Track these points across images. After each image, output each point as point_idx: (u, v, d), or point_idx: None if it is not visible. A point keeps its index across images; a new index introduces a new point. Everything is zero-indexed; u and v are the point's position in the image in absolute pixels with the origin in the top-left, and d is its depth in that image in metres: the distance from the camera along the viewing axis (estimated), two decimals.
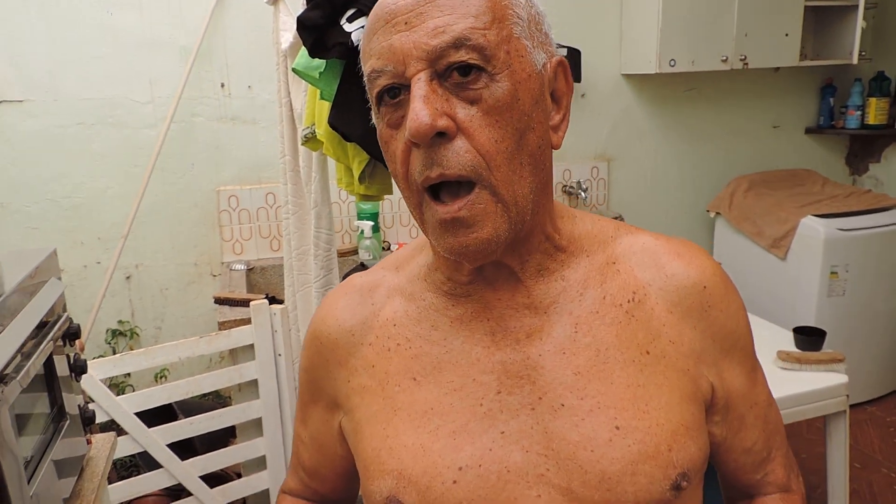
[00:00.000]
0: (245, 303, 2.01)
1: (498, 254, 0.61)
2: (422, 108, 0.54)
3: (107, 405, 1.59)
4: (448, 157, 0.56)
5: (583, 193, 3.00)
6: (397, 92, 0.57)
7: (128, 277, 2.49)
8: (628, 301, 0.65)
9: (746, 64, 2.86)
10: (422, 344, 0.67)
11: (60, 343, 1.22)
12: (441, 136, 0.56)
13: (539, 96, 0.59)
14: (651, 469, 0.60)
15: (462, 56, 0.55)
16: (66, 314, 1.23)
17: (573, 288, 0.66)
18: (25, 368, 0.96)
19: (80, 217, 2.41)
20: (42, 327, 1.11)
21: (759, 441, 0.72)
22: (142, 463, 1.90)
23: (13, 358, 0.96)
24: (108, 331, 2.46)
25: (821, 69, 3.29)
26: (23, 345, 1.00)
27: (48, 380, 1.16)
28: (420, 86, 0.55)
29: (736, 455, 0.72)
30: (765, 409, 0.73)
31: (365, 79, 0.60)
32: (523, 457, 0.62)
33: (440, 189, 0.58)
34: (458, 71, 0.55)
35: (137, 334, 2.51)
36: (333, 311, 0.73)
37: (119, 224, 2.40)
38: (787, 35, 2.90)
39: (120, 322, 2.49)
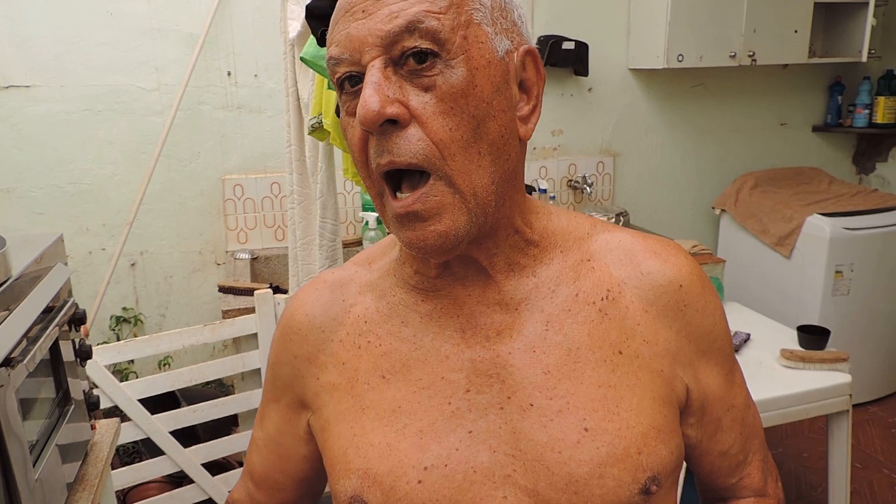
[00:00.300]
0: (249, 292, 2.01)
1: (461, 248, 0.59)
2: (371, 94, 0.53)
3: (110, 391, 1.59)
4: (399, 144, 0.55)
5: (588, 188, 2.99)
6: (357, 80, 0.57)
7: (132, 264, 2.50)
8: (602, 299, 0.64)
9: (755, 60, 2.84)
10: (392, 341, 0.66)
11: (66, 328, 1.22)
12: (393, 124, 0.55)
13: (501, 84, 0.58)
14: (619, 472, 0.59)
15: (415, 41, 0.54)
16: (71, 299, 1.24)
17: (545, 285, 0.64)
18: (32, 353, 0.96)
19: (85, 203, 2.41)
20: (48, 312, 1.11)
21: (735, 444, 0.71)
22: (144, 450, 1.91)
23: (19, 342, 0.96)
24: (112, 317, 2.46)
25: (829, 67, 3.27)
26: (29, 329, 1.01)
27: (54, 365, 1.17)
28: (373, 73, 0.54)
29: (711, 458, 0.71)
30: (742, 411, 0.72)
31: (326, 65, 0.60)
32: (490, 457, 0.61)
33: (402, 180, 0.57)
34: (413, 58, 0.54)
35: (141, 321, 2.52)
36: (303, 307, 0.72)
37: (124, 211, 2.40)
38: (796, 31, 2.88)
39: (124, 309, 2.49)
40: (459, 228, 0.57)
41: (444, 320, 0.65)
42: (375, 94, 0.53)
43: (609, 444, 0.59)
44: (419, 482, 0.60)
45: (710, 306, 0.67)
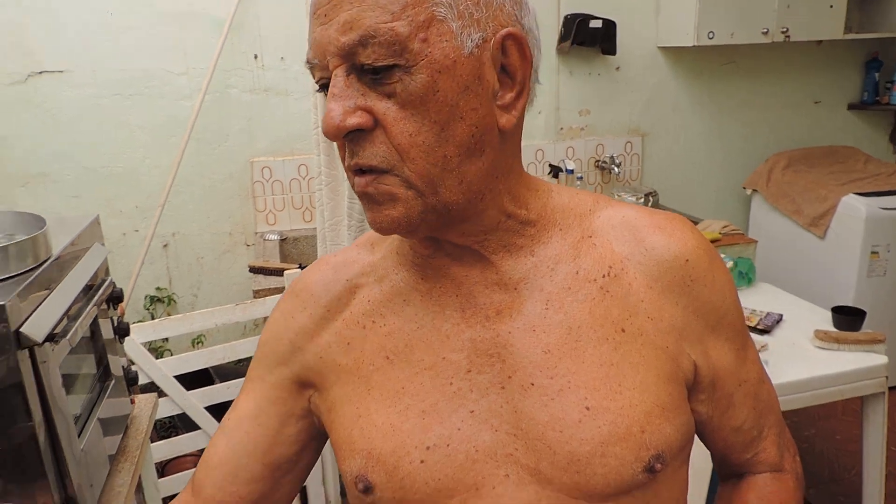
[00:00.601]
0: (279, 272, 2.04)
1: (420, 233, 0.60)
2: (333, 107, 0.54)
3: (147, 368, 1.63)
4: (364, 148, 0.56)
5: (615, 168, 2.96)
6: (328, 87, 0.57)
7: (165, 245, 2.54)
8: (603, 276, 0.63)
9: (788, 37, 2.77)
10: (395, 320, 0.66)
11: (104, 307, 1.25)
12: (359, 130, 0.55)
13: (471, 81, 0.55)
14: (621, 451, 0.58)
15: (369, 57, 0.53)
16: (109, 278, 1.26)
17: (544, 263, 0.64)
18: (73, 329, 0.99)
19: (118, 186, 2.46)
20: (87, 290, 1.14)
21: (748, 420, 0.70)
22: (180, 424, 1.95)
23: (61, 319, 0.99)
24: (146, 297, 2.52)
25: (866, 42, 3.18)
26: (70, 307, 1.03)
27: (94, 342, 1.20)
28: (335, 82, 0.55)
29: (724, 434, 0.70)
30: (755, 386, 0.70)
31: None
32: (492, 436, 0.61)
33: None
34: (371, 69, 0.54)
35: (175, 301, 2.57)
36: (307, 287, 0.71)
37: (156, 193, 2.44)
38: (831, 6, 2.80)
39: (158, 289, 2.54)
40: (413, 217, 0.57)
41: (443, 299, 0.65)
42: (337, 105, 0.54)
43: (611, 423, 0.59)
44: (422, 462, 0.61)
45: (718, 281, 0.66)
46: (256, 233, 2.59)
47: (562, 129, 2.94)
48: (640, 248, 0.64)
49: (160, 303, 2.54)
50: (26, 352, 0.89)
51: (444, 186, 0.56)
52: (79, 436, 1.01)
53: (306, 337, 0.70)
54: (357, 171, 0.58)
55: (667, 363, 0.63)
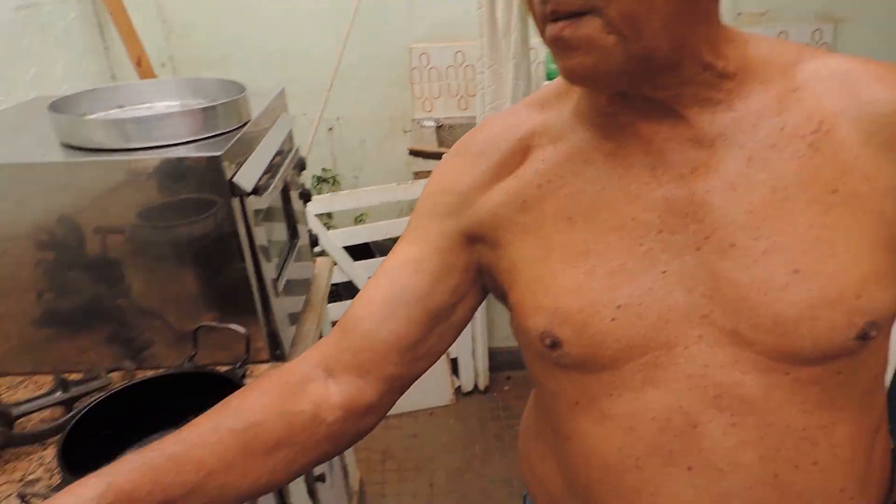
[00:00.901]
0: (437, 155, 2.09)
1: (616, 84, 0.57)
2: None
3: (320, 237, 1.78)
4: None
5: None
6: None
7: (330, 129, 2.67)
8: (812, 132, 0.57)
9: None
10: (575, 181, 0.63)
11: (292, 173, 1.36)
12: None
13: None
14: (834, 315, 0.55)
15: None
16: (296, 147, 1.36)
17: (745, 119, 0.59)
18: (273, 185, 1.09)
19: (290, 70, 2.58)
20: (279, 155, 1.24)
21: None
22: (343, 292, 2.13)
23: (262, 175, 1.09)
24: (313, 177, 2.70)
25: None
26: (268, 166, 1.13)
27: (285, 206, 1.31)
28: None
29: None
30: None
31: None
32: (686, 297, 0.59)
33: None
34: None
35: (339, 182, 2.73)
36: (476, 143, 0.69)
37: (323, 79, 2.54)
38: None
39: (324, 170, 2.71)
40: (610, 66, 0.53)
41: (630, 158, 0.62)
42: None
43: (822, 287, 0.55)
44: (612, 320, 0.60)
45: None
46: (413, 119, 2.65)
47: (740, 14, 2.65)
48: (854, 102, 0.58)
49: (325, 183, 2.71)
50: (238, 200, 1.00)
51: (648, 29, 0.52)
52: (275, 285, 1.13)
53: (477, 192, 0.68)
54: (552, 18, 0.54)
55: (883, 228, 0.57)
